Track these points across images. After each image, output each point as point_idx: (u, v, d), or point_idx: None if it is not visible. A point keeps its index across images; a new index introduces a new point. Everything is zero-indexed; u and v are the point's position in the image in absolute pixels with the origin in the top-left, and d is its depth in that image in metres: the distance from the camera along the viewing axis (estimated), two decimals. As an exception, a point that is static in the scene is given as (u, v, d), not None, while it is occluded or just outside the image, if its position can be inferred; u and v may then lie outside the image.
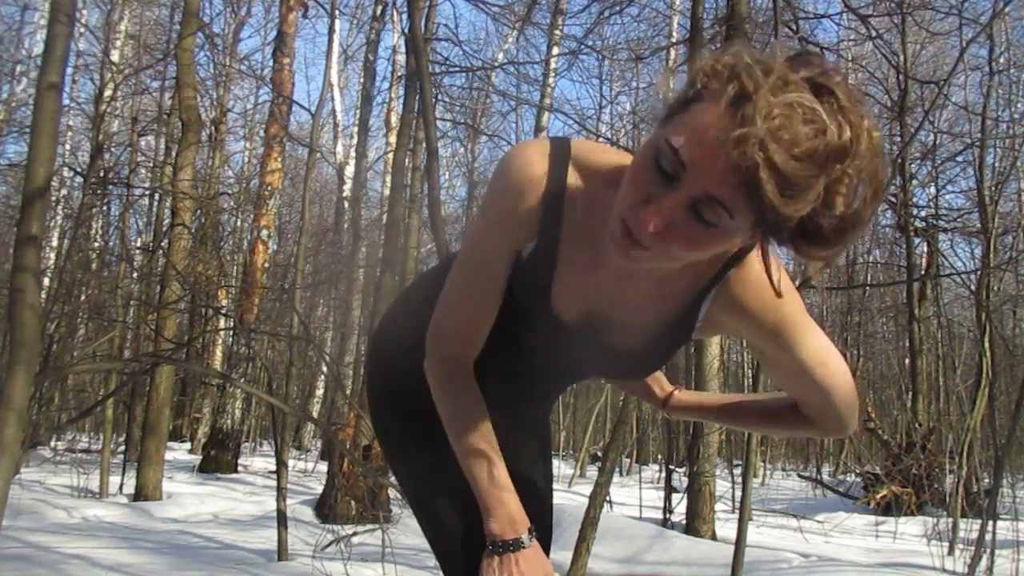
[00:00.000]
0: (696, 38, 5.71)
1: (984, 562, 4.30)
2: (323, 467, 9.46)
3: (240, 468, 10.38)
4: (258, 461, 12.00)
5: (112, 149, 10.37)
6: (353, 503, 6.17)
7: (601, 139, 11.93)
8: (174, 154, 8.78)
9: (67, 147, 13.08)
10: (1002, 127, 10.46)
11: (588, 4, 8.42)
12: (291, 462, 10.25)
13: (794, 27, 6.10)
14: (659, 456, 16.69)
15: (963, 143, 10.91)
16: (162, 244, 9.26)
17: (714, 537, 5.67)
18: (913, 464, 7.92)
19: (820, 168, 0.73)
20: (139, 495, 7.04)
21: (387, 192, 11.57)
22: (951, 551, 5.27)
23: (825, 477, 12.44)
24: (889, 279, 13.74)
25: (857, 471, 10.02)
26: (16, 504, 4.98)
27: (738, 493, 6.81)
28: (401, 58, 11.28)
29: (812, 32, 9.90)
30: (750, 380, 6.52)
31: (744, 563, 3.30)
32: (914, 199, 11.57)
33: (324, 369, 12.92)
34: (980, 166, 7.83)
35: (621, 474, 13.07)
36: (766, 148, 0.71)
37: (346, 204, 13.04)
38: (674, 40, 10.35)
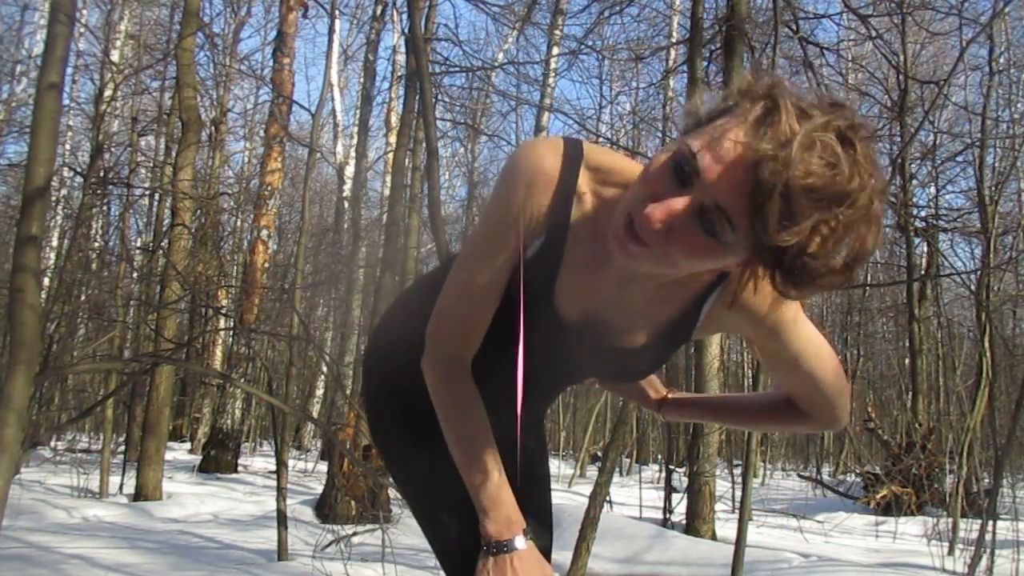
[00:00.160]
0: (696, 38, 5.72)
1: (984, 562, 4.30)
2: (323, 467, 9.46)
3: (240, 468, 10.39)
4: (258, 461, 12.00)
5: (112, 149, 10.37)
6: (353, 503, 6.17)
7: (601, 139, 11.93)
8: (174, 154, 8.78)
9: (67, 147, 13.09)
10: (1002, 127, 10.46)
11: (588, 4, 8.42)
12: (291, 462, 10.25)
13: (794, 27, 6.10)
14: (659, 456, 16.69)
15: (963, 143, 10.92)
16: (162, 244, 9.26)
17: (714, 537, 5.66)
18: (913, 464, 7.92)
19: (818, 205, 0.74)
20: (139, 495, 7.04)
21: (387, 192, 11.58)
22: (951, 551, 5.27)
23: (825, 477, 12.44)
24: (889, 279, 13.74)
25: (857, 471, 10.02)
26: (16, 504, 4.98)
27: (738, 493, 6.82)
28: (401, 58, 11.29)
29: (812, 32, 9.89)
30: (750, 380, 6.53)
31: (744, 563, 3.30)
32: (914, 199, 11.57)
33: (324, 369, 12.93)
34: (980, 166, 7.83)
35: (621, 474, 13.07)
36: (782, 172, 0.73)
37: (346, 204, 13.04)
38: (674, 40, 10.35)
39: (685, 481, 6.51)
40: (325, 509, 6.25)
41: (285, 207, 16.60)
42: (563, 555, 3.52)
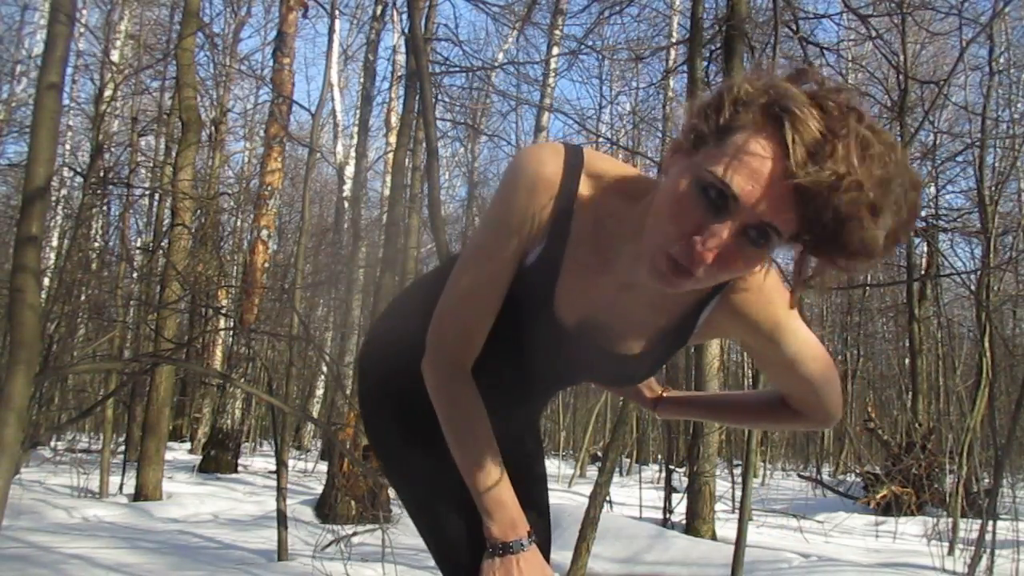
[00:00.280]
0: (696, 38, 5.71)
1: (984, 562, 4.30)
2: (323, 467, 9.46)
3: (240, 468, 10.38)
4: (258, 461, 12.00)
5: (112, 149, 10.37)
6: (353, 503, 6.17)
7: (601, 139, 11.91)
8: (174, 154, 8.78)
9: (67, 147, 13.08)
10: (1002, 127, 10.45)
11: (588, 4, 8.42)
12: (291, 462, 10.25)
13: (794, 27, 6.09)
14: (659, 456, 16.69)
15: (963, 143, 10.91)
16: (162, 244, 9.26)
17: (714, 537, 5.66)
18: (913, 464, 7.92)
19: (865, 191, 0.75)
20: (139, 495, 7.04)
21: (387, 192, 11.57)
22: (951, 551, 5.28)
23: (825, 477, 12.43)
24: (889, 279, 13.72)
25: (857, 471, 10.02)
26: (16, 504, 4.98)
27: (738, 493, 6.82)
28: (401, 58, 11.28)
29: (812, 32, 9.89)
30: (750, 380, 6.52)
31: (744, 563, 3.30)
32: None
33: (324, 369, 12.93)
34: (980, 166, 7.82)
35: (621, 474, 13.06)
36: (822, 174, 0.74)
37: (346, 204, 13.04)
38: (674, 40, 10.35)
39: (685, 481, 6.51)
40: (325, 509, 6.25)
41: (285, 207, 16.60)
42: (563, 555, 3.52)
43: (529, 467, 1.28)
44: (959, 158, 11.75)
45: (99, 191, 8.97)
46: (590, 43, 9.93)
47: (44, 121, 2.72)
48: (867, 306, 16.55)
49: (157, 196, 11.54)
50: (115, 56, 11.55)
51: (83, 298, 9.58)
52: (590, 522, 3.40)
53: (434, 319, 1.08)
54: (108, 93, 9.35)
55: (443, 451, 1.09)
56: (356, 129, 12.48)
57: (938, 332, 13.98)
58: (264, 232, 10.19)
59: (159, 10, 13.78)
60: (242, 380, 11.22)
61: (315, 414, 12.95)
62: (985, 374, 6.35)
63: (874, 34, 7.03)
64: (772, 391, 1.19)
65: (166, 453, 7.92)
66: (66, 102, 11.65)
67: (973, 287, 7.46)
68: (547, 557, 1.20)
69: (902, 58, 9.00)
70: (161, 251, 9.21)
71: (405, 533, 4.90)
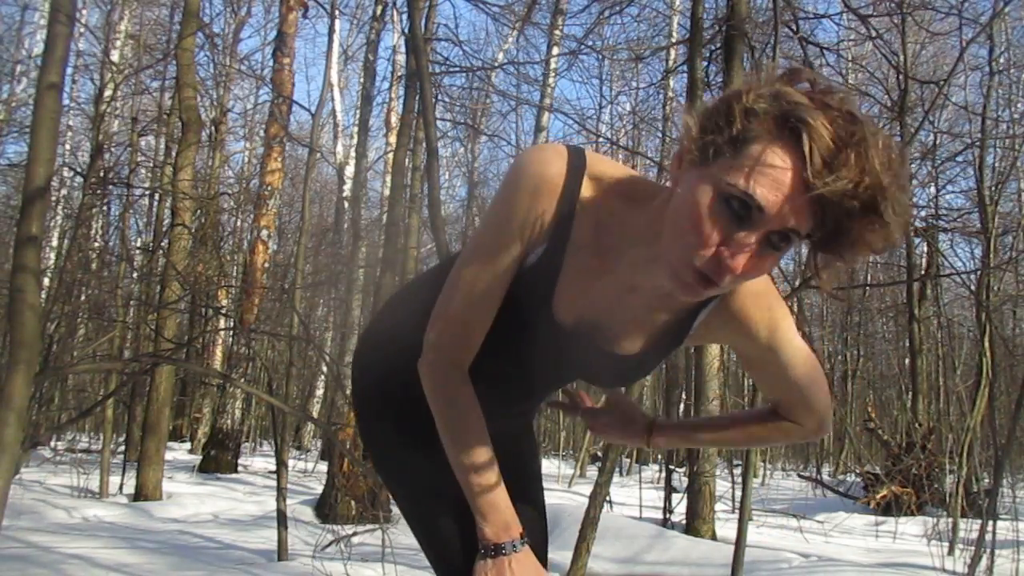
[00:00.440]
0: (696, 38, 5.71)
1: (984, 562, 4.30)
2: (323, 467, 9.46)
3: (240, 468, 10.39)
4: (258, 461, 12.00)
5: (112, 149, 10.36)
6: (353, 503, 6.17)
7: (601, 139, 11.91)
8: (174, 154, 8.78)
9: (67, 147, 13.08)
10: (1002, 127, 10.46)
11: (588, 4, 8.41)
12: (291, 462, 10.25)
13: (794, 27, 6.09)
14: (659, 456, 16.68)
15: (963, 143, 10.90)
16: (162, 244, 9.26)
17: (714, 537, 5.66)
18: (913, 464, 7.92)
19: (879, 192, 0.79)
20: (139, 495, 7.04)
21: (387, 192, 11.56)
22: (951, 551, 5.28)
23: (825, 477, 12.43)
24: (889, 279, 13.74)
25: (857, 471, 10.02)
26: (16, 504, 4.98)
27: (738, 493, 6.81)
28: (401, 58, 11.27)
29: (812, 32, 9.89)
30: (750, 380, 6.52)
31: (744, 563, 3.30)
32: (914, 199, 11.56)
33: (324, 369, 12.92)
34: (980, 166, 7.82)
35: (621, 474, 13.07)
36: (840, 182, 0.77)
37: (346, 204, 13.03)
38: (674, 40, 10.35)
39: (685, 481, 6.51)
40: (325, 509, 6.26)
41: (285, 207, 16.59)
42: (563, 555, 3.53)
43: (525, 466, 1.28)
44: (959, 158, 11.74)
45: (99, 191, 8.97)
46: (590, 43, 9.93)
47: (44, 121, 2.72)
48: (867, 306, 16.55)
49: (157, 196, 11.54)
50: (115, 56, 11.54)
51: (83, 298, 9.60)
52: (590, 522, 3.40)
53: (432, 319, 1.07)
54: (108, 93, 9.35)
55: (437, 452, 1.08)
56: (356, 129, 12.46)
57: (938, 332, 13.98)
58: (264, 232, 10.19)
59: (159, 10, 13.80)
60: (242, 380, 11.22)
61: (315, 414, 12.95)
62: (985, 374, 6.35)
63: (874, 34, 7.02)
64: (763, 407, 1.19)
65: (166, 453, 7.92)
66: (66, 102, 11.66)
67: (973, 287, 7.47)
68: (544, 556, 1.20)
69: (902, 58, 8.99)
70: (161, 251, 9.22)
71: (405, 533, 4.88)
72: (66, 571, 3.74)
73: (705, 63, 6.22)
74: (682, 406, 14.00)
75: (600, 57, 12.90)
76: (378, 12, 11.39)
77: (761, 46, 6.13)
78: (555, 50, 10.39)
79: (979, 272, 6.86)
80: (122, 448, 9.90)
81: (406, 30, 9.72)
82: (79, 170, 9.90)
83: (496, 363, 1.10)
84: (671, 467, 7.41)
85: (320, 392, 14.22)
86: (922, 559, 5.01)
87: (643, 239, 0.96)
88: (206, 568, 4.10)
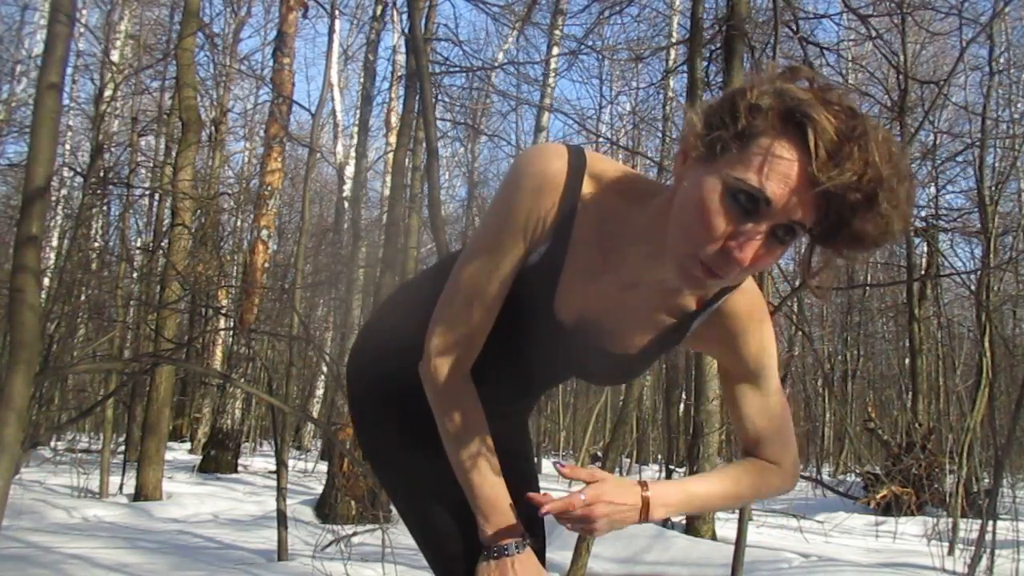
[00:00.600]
0: (696, 38, 5.71)
1: (984, 562, 4.30)
2: (323, 467, 9.46)
3: (240, 468, 10.39)
4: (258, 461, 12.00)
5: (112, 149, 10.37)
6: (353, 503, 6.17)
7: (601, 139, 11.91)
8: (174, 154, 8.78)
9: (67, 147, 13.07)
10: (1002, 127, 10.46)
11: (588, 4, 8.40)
12: (291, 462, 10.25)
13: (794, 27, 6.09)
14: (659, 456, 16.69)
15: (963, 143, 10.89)
16: (162, 244, 9.26)
17: (714, 537, 5.66)
18: (913, 464, 7.92)
19: (882, 184, 0.80)
20: (139, 495, 7.04)
21: (387, 192, 11.56)
22: (951, 551, 5.27)
23: (825, 477, 12.43)
24: (889, 279, 13.74)
25: (857, 471, 10.03)
26: (16, 504, 4.98)
27: (738, 493, 6.79)
28: (401, 58, 11.28)
29: (812, 32, 9.88)
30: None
31: (744, 563, 3.30)
32: (915, 197, 11.54)
33: (324, 369, 12.92)
34: (980, 166, 7.82)
35: (621, 474, 13.05)
36: (844, 176, 0.79)
37: (346, 204, 13.03)
38: (674, 40, 10.35)
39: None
40: (325, 509, 6.26)
41: (285, 207, 16.60)
42: (563, 555, 3.52)
43: (520, 465, 1.28)
44: (959, 158, 11.73)
45: (99, 191, 8.97)
46: (590, 43, 9.93)
47: (44, 121, 2.72)
48: (867, 306, 16.55)
49: (157, 196, 11.54)
50: (115, 56, 11.54)
51: (83, 298, 9.59)
52: (590, 522, 3.39)
53: (433, 321, 1.07)
54: (108, 93, 9.35)
55: (437, 452, 1.08)
56: (356, 129, 12.46)
57: (938, 332, 13.98)
58: (264, 232, 10.19)
59: (159, 10, 13.79)
60: (242, 380, 11.22)
61: (315, 414, 12.95)
62: (985, 374, 6.35)
63: (874, 34, 7.02)
64: (739, 459, 1.15)
65: (166, 453, 7.92)
66: (66, 102, 11.66)
67: (973, 287, 7.47)
68: (543, 556, 1.20)
69: (902, 58, 8.99)
70: (161, 251, 9.21)
71: (405, 533, 4.85)
72: (66, 571, 3.74)
73: (705, 63, 6.22)
74: (682, 406, 14.01)
75: (600, 57, 12.91)
76: (378, 12, 11.39)
77: (761, 46, 6.13)
78: (555, 50, 10.38)
79: (979, 272, 6.87)
80: (122, 448, 9.89)
81: (406, 30, 9.72)
82: (79, 170, 9.90)
83: (496, 363, 1.10)
84: (671, 467, 7.41)
85: (320, 392, 14.21)
86: (922, 559, 5.01)
87: (644, 237, 0.96)
88: (206, 568, 4.10)
